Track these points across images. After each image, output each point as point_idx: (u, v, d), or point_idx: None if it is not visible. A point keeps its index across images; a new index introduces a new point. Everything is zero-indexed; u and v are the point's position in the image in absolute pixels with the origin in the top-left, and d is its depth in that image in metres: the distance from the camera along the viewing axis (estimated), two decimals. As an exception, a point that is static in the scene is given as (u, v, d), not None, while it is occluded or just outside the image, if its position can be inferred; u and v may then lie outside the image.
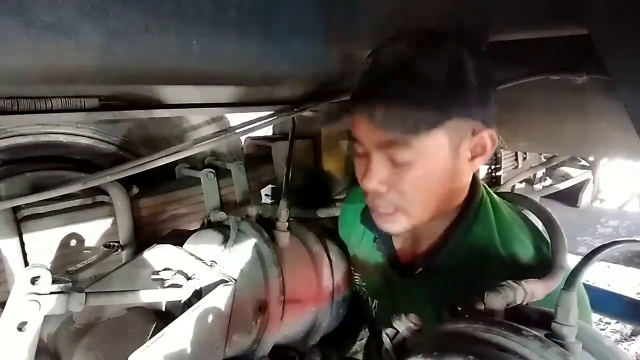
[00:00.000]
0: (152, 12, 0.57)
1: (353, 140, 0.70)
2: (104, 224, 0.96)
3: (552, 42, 0.67)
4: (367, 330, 1.10)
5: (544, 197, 2.15)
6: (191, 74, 0.67)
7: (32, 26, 0.49)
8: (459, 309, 0.54)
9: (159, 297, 0.70)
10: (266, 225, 0.83)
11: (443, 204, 0.70)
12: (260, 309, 0.73)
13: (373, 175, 0.66)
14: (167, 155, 0.83)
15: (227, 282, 0.69)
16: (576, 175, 2.25)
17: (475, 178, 0.74)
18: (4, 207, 0.79)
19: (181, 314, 0.63)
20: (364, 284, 0.90)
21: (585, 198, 2.34)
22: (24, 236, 0.84)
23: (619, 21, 0.51)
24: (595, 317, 2.19)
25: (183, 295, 0.70)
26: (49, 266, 0.64)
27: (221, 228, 0.83)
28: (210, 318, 0.66)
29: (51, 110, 0.61)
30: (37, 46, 0.50)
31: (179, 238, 0.84)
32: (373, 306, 0.88)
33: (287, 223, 0.84)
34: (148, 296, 0.66)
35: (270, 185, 1.33)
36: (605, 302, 1.40)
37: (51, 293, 0.56)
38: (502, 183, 1.83)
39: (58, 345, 0.69)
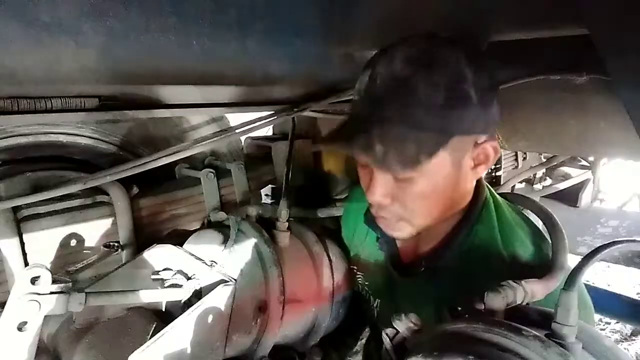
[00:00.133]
0: (152, 12, 0.57)
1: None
2: (104, 224, 0.95)
3: (552, 42, 0.67)
4: (367, 330, 1.10)
5: (544, 197, 2.14)
6: (191, 74, 0.67)
7: (32, 26, 0.49)
8: (459, 309, 0.54)
9: (159, 297, 0.70)
10: (266, 225, 0.83)
11: (446, 210, 0.70)
12: (260, 309, 0.73)
13: (376, 190, 0.66)
14: (167, 155, 0.83)
15: (227, 282, 0.69)
16: (576, 175, 2.25)
17: (479, 181, 0.74)
18: (4, 207, 0.79)
19: (181, 314, 0.63)
20: (366, 283, 0.90)
21: (585, 198, 2.34)
22: (24, 236, 0.84)
23: (619, 21, 0.51)
24: (595, 317, 2.19)
25: (183, 295, 0.70)
26: (49, 266, 0.64)
27: (221, 228, 0.83)
28: (210, 318, 0.66)
29: (51, 110, 0.61)
30: (37, 46, 0.50)
31: (179, 238, 0.84)
32: (375, 305, 0.88)
33: (287, 223, 0.84)
34: (148, 296, 0.66)
35: (270, 185, 1.33)
36: (605, 302, 1.40)
37: (51, 293, 0.56)
38: (502, 183, 1.83)
39: (58, 345, 0.69)
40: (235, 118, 1.23)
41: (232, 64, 0.70)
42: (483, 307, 0.52)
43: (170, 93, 0.75)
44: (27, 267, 0.56)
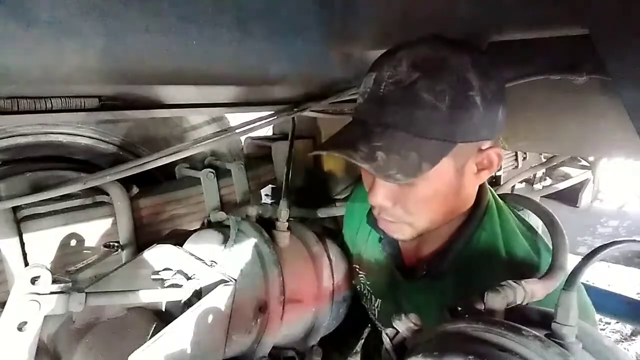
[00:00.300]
0: (152, 12, 0.57)
1: None
2: (104, 224, 0.96)
3: (552, 42, 0.67)
4: (367, 329, 1.10)
5: (544, 197, 2.14)
6: (191, 74, 0.67)
7: (32, 26, 0.49)
8: (459, 309, 0.54)
9: (159, 297, 0.70)
10: (266, 225, 0.83)
11: (448, 214, 0.70)
12: (260, 309, 0.73)
13: (378, 192, 0.66)
14: (167, 155, 0.83)
15: (227, 282, 0.69)
16: (576, 175, 2.25)
17: (482, 185, 0.73)
18: (4, 207, 0.79)
19: (181, 314, 0.63)
20: (368, 283, 0.90)
21: (585, 198, 2.34)
22: (24, 236, 0.84)
23: (619, 21, 0.51)
24: (595, 317, 2.19)
25: (183, 295, 0.70)
26: (49, 266, 0.64)
27: (221, 228, 0.83)
28: (210, 318, 0.66)
29: (51, 110, 0.61)
30: (37, 46, 0.50)
31: (179, 238, 0.84)
32: (376, 305, 0.88)
33: (287, 223, 0.84)
34: (148, 296, 0.66)
35: (270, 185, 1.33)
36: (605, 302, 1.40)
37: (51, 293, 0.56)
38: (502, 183, 1.83)
39: (58, 345, 0.69)
40: (235, 118, 1.23)
41: (232, 64, 0.70)
42: (483, 307, 0.52)
43: (170, 93, 0.75)
44: (27, 267, 0.56)
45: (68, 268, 0.86)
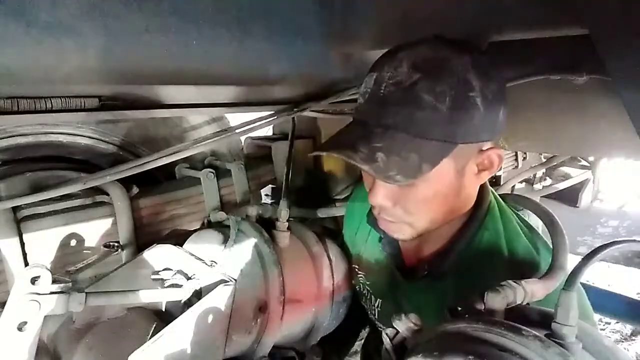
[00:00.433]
0: (152, 12, 0.57)
1: None
2: (104, 224, 0.96)
3: (552, 42, 0.67)
4: (367, 330, 1.10)
5: (544, 197, 2.15)
6: (191, 74, 0.67)
7: (32, 26, 0.49)
8: (459, 309, 0.54)
9: (159, 297, 0.70)
10: (266, 225, 0.83)
11: (449, 214, 0.70)
12: (260, 309, 0.73)
13: (378, 192, 0.66)
14: (167, 155, 0.83)
15: (227, 282, 0.69)
16: (576, 175, 2.25)
17: (483, 185, 0.73)
18: (4, 207, 0.79)
19: (181, 314, 0.63)
20: (367, 283, 0.90)
21: (585, 198, 2.34)
22: (24, 236, 0.84)
23: (619, 21, 0.51)
24: (595, 317, 2.19)
25: (183, 295, 0.70)
26: (49, 266, 0.64)
27: (221, 228, 0.83)
28: (210, 318, 0.66)
29: (51, 110, 0.61)
30: (37, 46, 0.50)
31: (179, 238, 0.84)
32: (376, 305, 0.88)
33: (287, 223, 0.84)
34: (148, 296, 0.66)
35: (270, 185, 1.33)
36: (605, 302, 1.40)
37: (51, 293, 0.56)
38: (502, 183, 1.83)
39: (58, 345, 0.69)
40: (235, 118, 1.23)
41: (232, 64, 0.70)
42: (483, 307, 0.51)
43: (170, 93, 0.75)
44: (27, 267, 0.56)
45: (68, 268, 0.86)
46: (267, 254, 0.77)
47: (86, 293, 0.59)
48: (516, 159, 1.99)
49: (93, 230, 0.94)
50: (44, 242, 0.87)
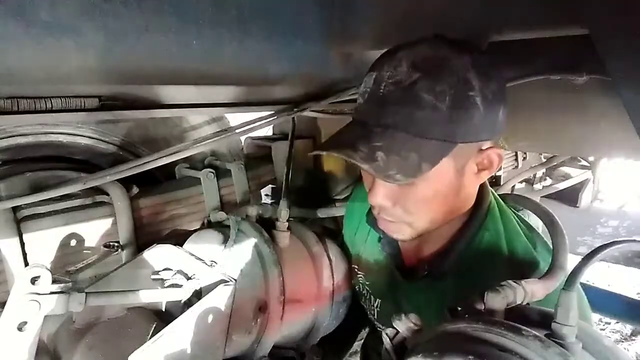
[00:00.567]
0: (152, 12, 0.57)
1: None
2: (104, 224, 0.96)
3: (552, 42, 0.67)
4: (366, 330, 1.10)
5: (544, 197, 2.15)
6: (191, 74, 0.67)
7: (32, 26, 0.49)
8: (459, 309, 0.54)
9: (159, 297, 0.70)
10: (266, 225, 0.83)
11: (448, 214, 0.70)
12: (260, 309, 0.73)
13: (378, 192, 0.66)
14: (167, 155, 0.83)
15: (227, 282, 0.69)
16: (576, 175, 2.25)
17: (483, 185, 0.73)
18: (4, 207, 0.79)
19: (181, 314, 0.63)
20: (367, 283, 0.90)
21: (585, 198, 2.34)
22: (24, 236, 0.84)
23: (619, 21, 0.51)
24: (595, 317, 2.19)
25: (183, 295, 0.70)
26: (49, 266, 0.64)
27: (221, 228, 0.83)
28: (210, 318, 0.66)
29: (51, 110, 0.61)
30: (37, 46, 0.50)
31: (179, 238, 0.84)
32: (375, 305, 0.88)
33: (287, 223, 0.84)
34: (148, 296, 0.66)
35: (270, 185, 1.33)
36: (605, 302, 1.40)
37: (51, 293, 0.56)
38: (502, 183, 1.83)
39: (58, 345, 0.69)
40: (235, 118, 1.23)
41: (232, 64, 0.70)
42: (483, 307, 0.51)
43: (170, 93, 0.75)
44: (27, 267, 0.56)
45: (68, 268, 0.86)
46: (267, 254, 0.77)
47: (86, 293, 0.59)
48: (516, 159, 2.00)
49: (93, 230, 0.94)
50: (44, 242, 0.87)
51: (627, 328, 2.34)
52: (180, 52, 0.62)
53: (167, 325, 0.61)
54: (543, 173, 2.25)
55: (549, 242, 0.68)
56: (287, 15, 0.74)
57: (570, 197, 2.32)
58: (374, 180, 0.67)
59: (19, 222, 0.83)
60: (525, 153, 2.00)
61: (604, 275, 2.64)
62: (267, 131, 1.59)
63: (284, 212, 0.84)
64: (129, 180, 0.87)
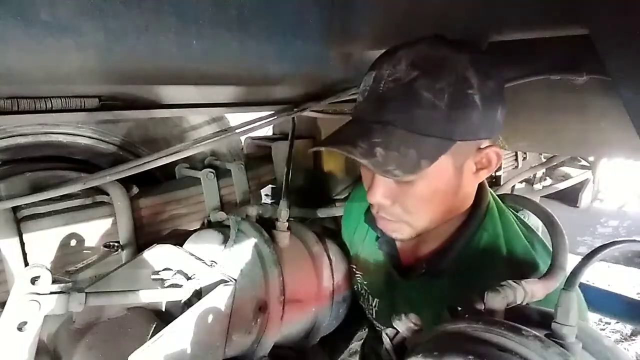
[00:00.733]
0: (152, 12, 0.57)
1: None
2: (104, 224, 0.96)
3: (552, 42, 0.67)
4: (366, 330, 1.10)
5: (544, 197, 2.15)
6: (191, 74, 0.67)
7: (32, 26, 0.49)
8: (459, 309, 0.54)
9: (159, 297, 0.70)
10: (266, 225, 0.83)
11: (447, 213, 0.70)
12: (260, 309, 0.73)
13: (377, 190, 0.66)
14: (167, 155, 0.83)
15: (227, 282, 0.69)
16: (576, 175, 2.25)
17: (482, 184, 0.73)
18: (4, 207, 0.79)
19: (181, 314, 0.63)
20: (365, 283, 0.90)
21: (585, 198, 2.34)
22: (24, 236, 0.84)
23: (618, 21, 0.51)
24: (596, 317, 2.19)
25: (183, 295, 0.70)
26: (49, 266, 0.64)
27: (221, 228, 0.83)
28: (210, 318, 0.66)
29: (51, 110, 0.61)
30: (37, 46, 0.50)
31: (179, 238, 0.84)
32: (373, 305, 0.88)
33: (287, 223, 0.85)
34: (148, 296, 0.66)
35: (270, 185, 1.33)
36: (605, 302, 1.40)
37: (51, 293, 0.56)
38: (502, 183, 1.83)
39: (58, 345, 0.69)
40: (235, 118, 1.23)
41: (232, 64, 0.70)
42: (483, 307, 0.51)
43: (170, 93, 0.75)
44: (27, 267, 0.56)
45: (68, 268, 0.86)
46: (267, 254, 0.77)
47: (86, 293, 0.59)
48: (516, 159, 2.00)
49: (93, 230, 0.94)
50: (44, 242, 0.87)
51: (627, 328, 2.34)
52: (180, 52, 0.62)
53: (167, 325, 0.61)
54: (543, 173, 2.25)
55: (549, 243, 0.68)
56: (287, 15, 0.74)
57: (570, 197, 2.32)
58: (373, 179, 0.67)
59: (19, 222, 0.83)
60: (525, 153, 2.00)
61: (604, 275, 2.64)
62: (267, 131, 1.59)
63: (284, 212, 0.84)
64: (129, 180, 0.87)
